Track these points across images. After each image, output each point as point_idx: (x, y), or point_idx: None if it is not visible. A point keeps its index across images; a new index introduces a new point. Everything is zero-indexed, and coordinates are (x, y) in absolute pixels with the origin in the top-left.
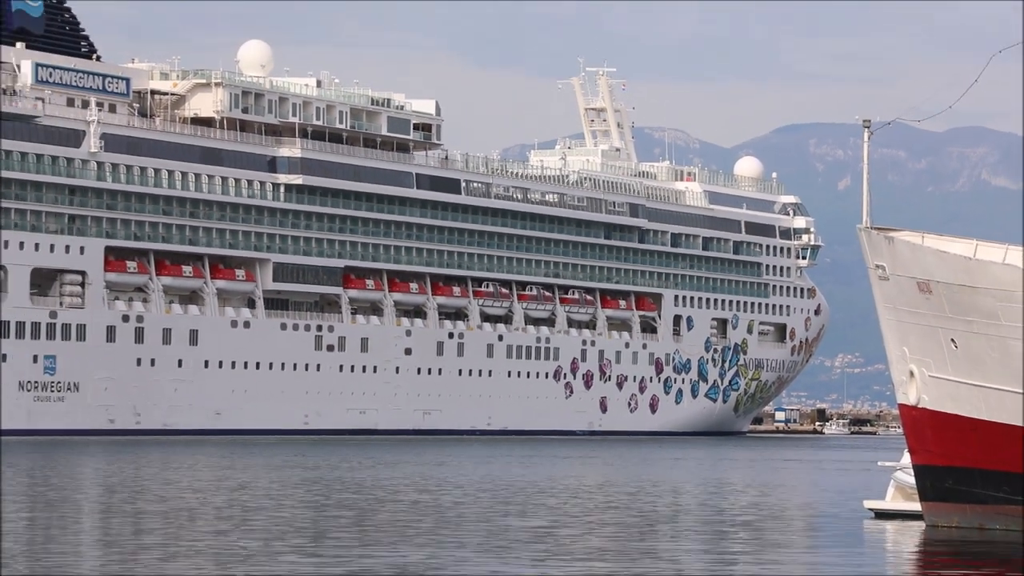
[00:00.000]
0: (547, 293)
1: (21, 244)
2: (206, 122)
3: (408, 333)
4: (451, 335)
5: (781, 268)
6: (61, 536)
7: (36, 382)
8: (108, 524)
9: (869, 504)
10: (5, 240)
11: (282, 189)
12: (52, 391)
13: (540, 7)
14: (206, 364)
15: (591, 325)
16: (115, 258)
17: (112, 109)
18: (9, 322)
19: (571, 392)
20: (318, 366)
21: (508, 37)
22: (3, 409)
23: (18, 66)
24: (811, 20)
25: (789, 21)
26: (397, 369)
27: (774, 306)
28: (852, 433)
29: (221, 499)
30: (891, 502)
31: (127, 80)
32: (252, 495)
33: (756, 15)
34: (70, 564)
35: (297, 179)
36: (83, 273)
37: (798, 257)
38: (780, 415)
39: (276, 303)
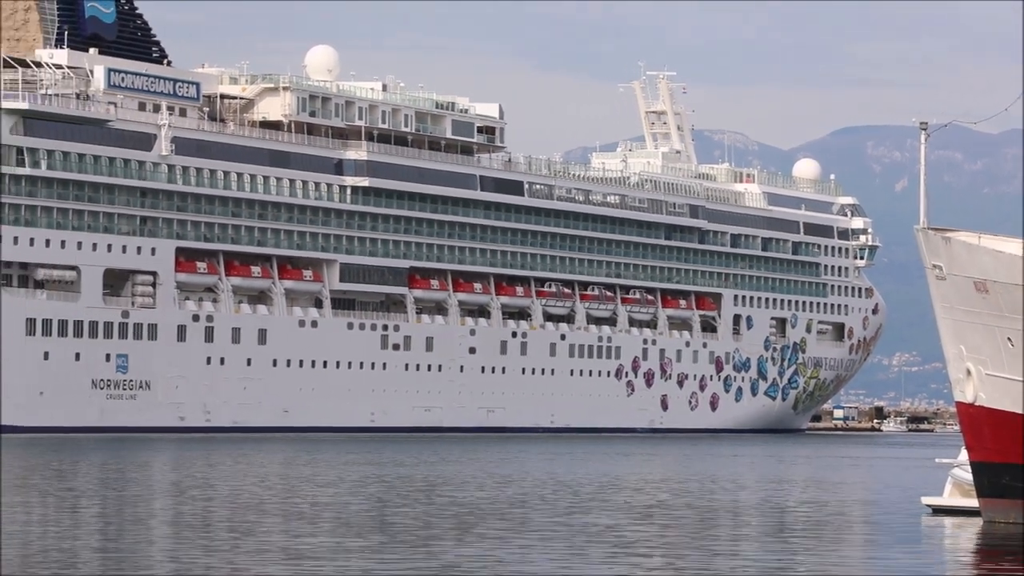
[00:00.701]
0: (609, 293)
1: (94, 245)
2: (274, 125)
3: (472, 332)
4: (514, 334)
5: (839, 268)
6: (133, 532)
7: (108, 380)
8: (179, 520)
9: (927, 500)
10: (78, 241)
11: (349, 191)
12: (124, 389)
13: (602, 12)
14: (274, 363)
15: (652, 324)
16: (185, 259)
17: (183, 113)
18: (82, 321)
19: (632, 390)
20: (384, 365)
21: (570, 41)
22: (77, 407)
23: (91, 71)
24: (867, 23)
25: (846, 24)
26: (462, 368)
27: (832, 305)
28: (910, 431)
29: (290, 495)
30: (949, 498)
31: (197, 85)
32: (320, 491)
33: (813, 18)
34: (142, 560)
35: (363, 181)
36: (154, 274)
37: (856, 257)
38: (839, 413)
39: (343, 303)
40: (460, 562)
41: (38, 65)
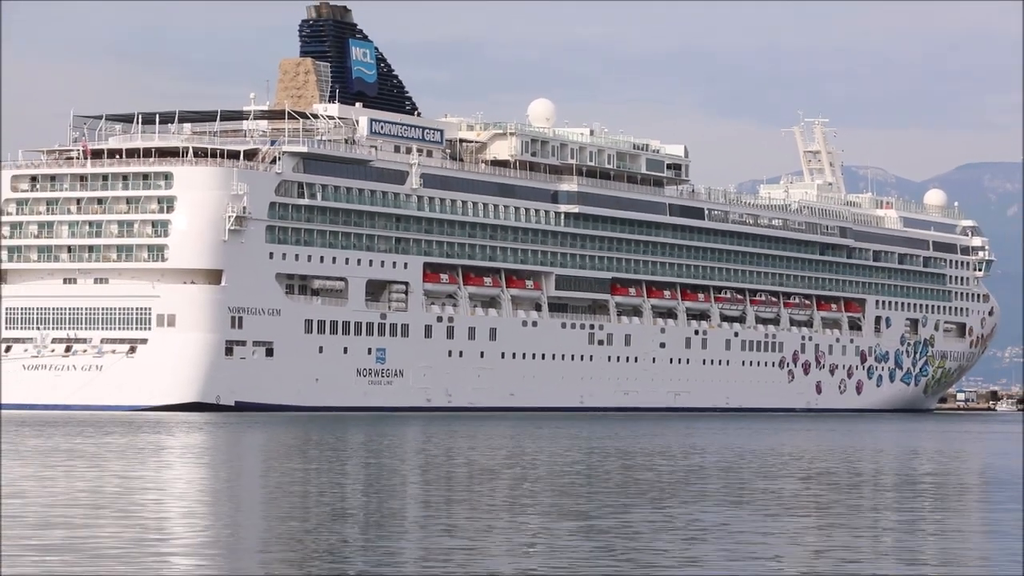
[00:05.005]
0: (773, 299)
1: (358, 261)
2: (503, 164)
3: (662, 331)
4: (697, 332)
5: (962, 278)
6: (391, 493)
7: (370, 369)
8: (428, 484)
9: None
10: (346, 258)
11: (562, 216)
12: (382, 376)
13: (766, 70)
14: (502, 355)
15: (809, 324)
16: (431, 272)
17: (429, 154)
18: (349, 322)
19: (792, 377)
20: (591, 357)
21: (743, 93)
22: (345, 390)
23: (357, 121)
24: (990, 75)
25: (970, 77)
26: (654, 359)
27: (956, 308)
28: (1019, 410)
29: (515, 464)
30: None
31: (441, 131)
32: (536, 461)
33: (946, 73)
34: (397, 518)
35: (574, 209)
36: (406, 284)
37: (975, 269)
38: (960, 396)
39: (557, 307)
40: (676, 516)
41: (315, 117)
